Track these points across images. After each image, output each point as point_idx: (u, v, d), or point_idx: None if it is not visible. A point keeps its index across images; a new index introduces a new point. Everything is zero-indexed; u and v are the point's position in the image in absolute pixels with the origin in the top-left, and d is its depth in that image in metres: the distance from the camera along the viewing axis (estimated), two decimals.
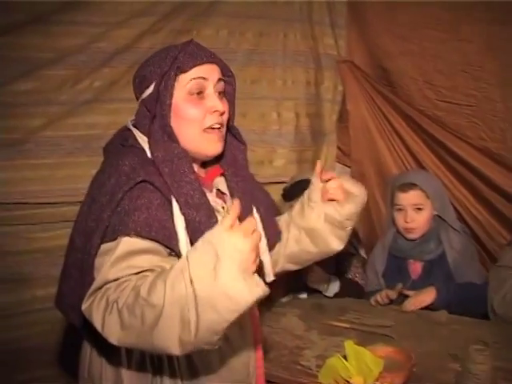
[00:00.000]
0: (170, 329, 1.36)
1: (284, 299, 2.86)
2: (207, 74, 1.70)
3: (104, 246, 1.55)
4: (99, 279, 1.50)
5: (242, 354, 1.79)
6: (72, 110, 2.88)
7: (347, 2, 3.50)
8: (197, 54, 1.69)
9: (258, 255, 1.41)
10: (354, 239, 3.03)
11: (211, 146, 1.74)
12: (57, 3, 2.76)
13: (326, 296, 2.89)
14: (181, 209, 1.61)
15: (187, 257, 1.39)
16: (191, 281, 1.33)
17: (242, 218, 1.80)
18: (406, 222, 2.88)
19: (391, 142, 3.50)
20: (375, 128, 3.55)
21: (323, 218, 1.95)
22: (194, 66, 1.68)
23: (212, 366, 1.69)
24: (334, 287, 2.89)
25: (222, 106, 1.71)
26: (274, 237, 1.96)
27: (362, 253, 3.16)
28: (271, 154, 3.51)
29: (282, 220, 2.07)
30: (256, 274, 1.39)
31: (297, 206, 2.06)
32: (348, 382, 1.97)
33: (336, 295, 2.89)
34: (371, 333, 2.46)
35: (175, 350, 1.39)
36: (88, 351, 1.77)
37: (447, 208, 2.97)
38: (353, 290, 2.93)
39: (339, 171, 3.75)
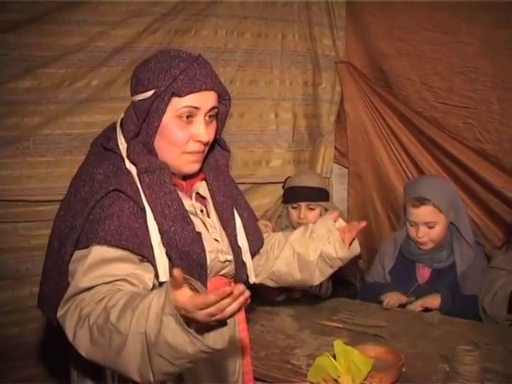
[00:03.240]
0: (131, 359, 1.36)
1: (278, 298, 2.87)
2: (201, 102, 1.67)
3: (77, 253, 1.58)
4: (72, 287, 1.53)
5: (231, 362, 1.83)
6: (70, 109, 2.90)
7: (346, 4, 3.51)
8: (196, 80, 1.65)
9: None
10: None
11: (188, 166, 1.74)
12: (56, 2, 2.77)
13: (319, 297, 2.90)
14: (155, 218, 1.63)
15: (154, 296, 1.36)
16: (146, 323, 1.32)
17: (223, 220, 1.86)
18: (418, 237, 2.87)
19: (388, 143, 3.51)
20: (373, 129, 3.57)
21: (319, 252, 2.04)
22: (190, 93, 1.65)
23: (200, 375, 1.72)
24: (327, 291, 2.89)
25: (206, 136, 1.69)
26: (257, 242, 2.01)
27: None
28: (268, 154, 3.53)
29: (276, 238, 2.14)
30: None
31: (297, 232, 2.13)
32: (336, 380, 1.99)
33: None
34: (363, 333, 2.47)
35: (135, 378, 1.39)
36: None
37: (462, 218, 2.93)
38: (346, 290, 2.95)
39: (337, 172, 3.78)
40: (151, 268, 1.61)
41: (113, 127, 1.80)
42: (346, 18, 3.54)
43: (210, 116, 1.72)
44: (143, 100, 1.67)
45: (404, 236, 3.01)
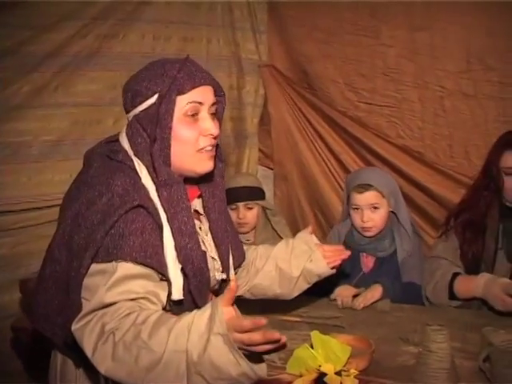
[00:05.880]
0: (164, 377, 1.36)
1: None
2: (203, 97, 1.70)
3: (96, 267, 1.53)
4: (95, 302, 1.49)
5: None
6: (1, 116, 2.81)
7: (268, 8, 3.60)
8: (195, 76, 1.69)
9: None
10: None
11: (203, 164, 1.73)
12: None
13: None
14: (173, 235, 1.63)
15: (194, 316, 1.38)
16: (187, 342, 1.34)
17: (217, 238, 1.86)
18: (363, 222, 2.95)
19: (313, 143, 3.62)
20: (297, 130, 3.67)
21: (301, 269, 2.15)
22: (193, 88, 1.67)
23: None
24: None
25: (215, 129, 1.72)
26: (239, 258, 2.06)
27: None
28: None
29: (257, 251, 2.21)
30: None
31: (279, 248, 2.21)
32: (318, 370, 2.04)
33: None
34: (323, 324, 2.52)
35: None
36: (59, 360, 1.77)
37: (401, 206, 3.03)
38: None
39: (261, 174, 3.84)
40: (167, 286, 1.62)
41: (110, 141, 1.78)
42: (268, 22, 3.63)
43: (212, 114, 1.73)
44: (147, 108, 1.67)
45: (347, 227, 3.09)
